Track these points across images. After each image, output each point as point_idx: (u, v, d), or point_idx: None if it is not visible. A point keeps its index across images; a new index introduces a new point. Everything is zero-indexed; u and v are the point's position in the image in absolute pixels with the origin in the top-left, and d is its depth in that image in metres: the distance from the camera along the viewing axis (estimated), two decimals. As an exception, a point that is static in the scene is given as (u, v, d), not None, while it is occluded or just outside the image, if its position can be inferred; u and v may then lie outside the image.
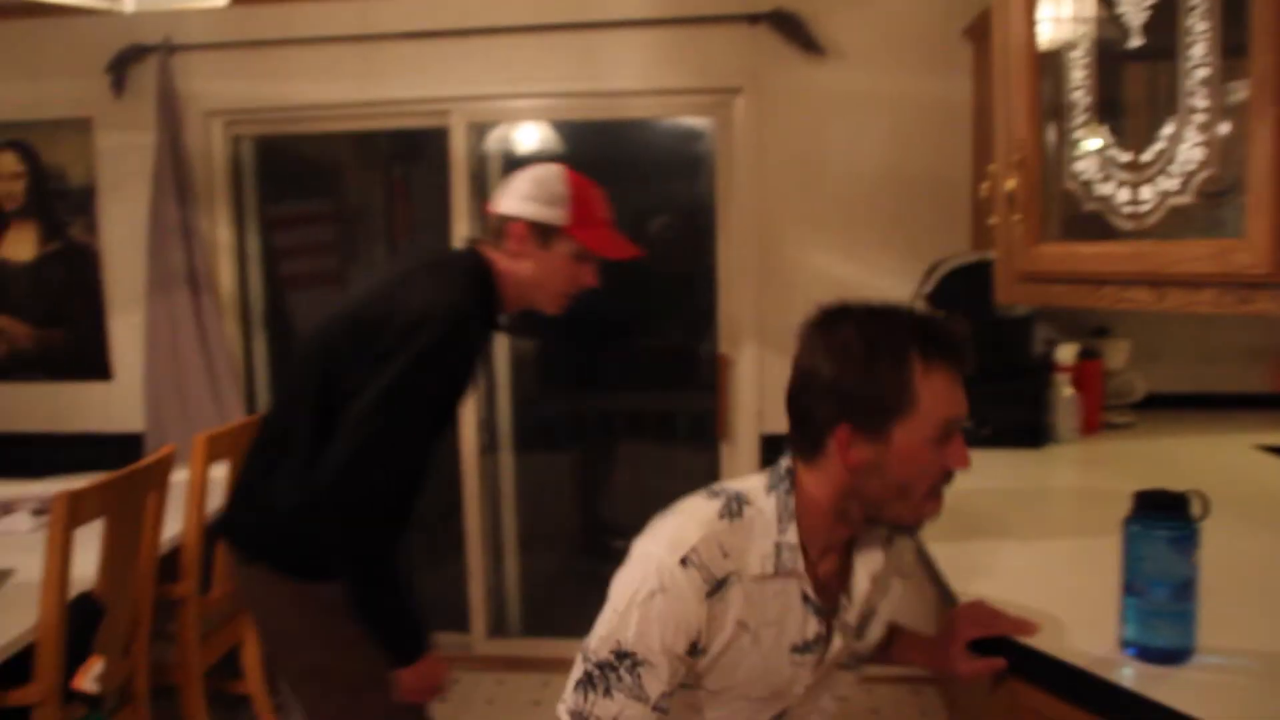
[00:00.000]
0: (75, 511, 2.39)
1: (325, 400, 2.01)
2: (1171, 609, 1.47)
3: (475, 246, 2.20)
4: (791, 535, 1.54)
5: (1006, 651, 1.61)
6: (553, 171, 2.15)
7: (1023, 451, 2.92)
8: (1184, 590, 1.46)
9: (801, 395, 1.56)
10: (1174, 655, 1.47)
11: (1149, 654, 1.48)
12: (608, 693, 1.49)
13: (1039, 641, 1.57)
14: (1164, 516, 1.46)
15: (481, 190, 3.97)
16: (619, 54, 3.76)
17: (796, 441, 1.58)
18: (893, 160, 3.70)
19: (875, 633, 1.73)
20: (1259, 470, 2.78)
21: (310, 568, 2.06)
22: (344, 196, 4.73)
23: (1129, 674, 1.45)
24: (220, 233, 4.10)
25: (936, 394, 1.48)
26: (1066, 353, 3.06)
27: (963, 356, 1.53)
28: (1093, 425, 3.19)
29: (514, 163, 4.14)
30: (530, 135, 4.20)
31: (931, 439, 1.49)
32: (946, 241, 3.55)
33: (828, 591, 1.61)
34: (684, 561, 1.47)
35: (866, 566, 1.64)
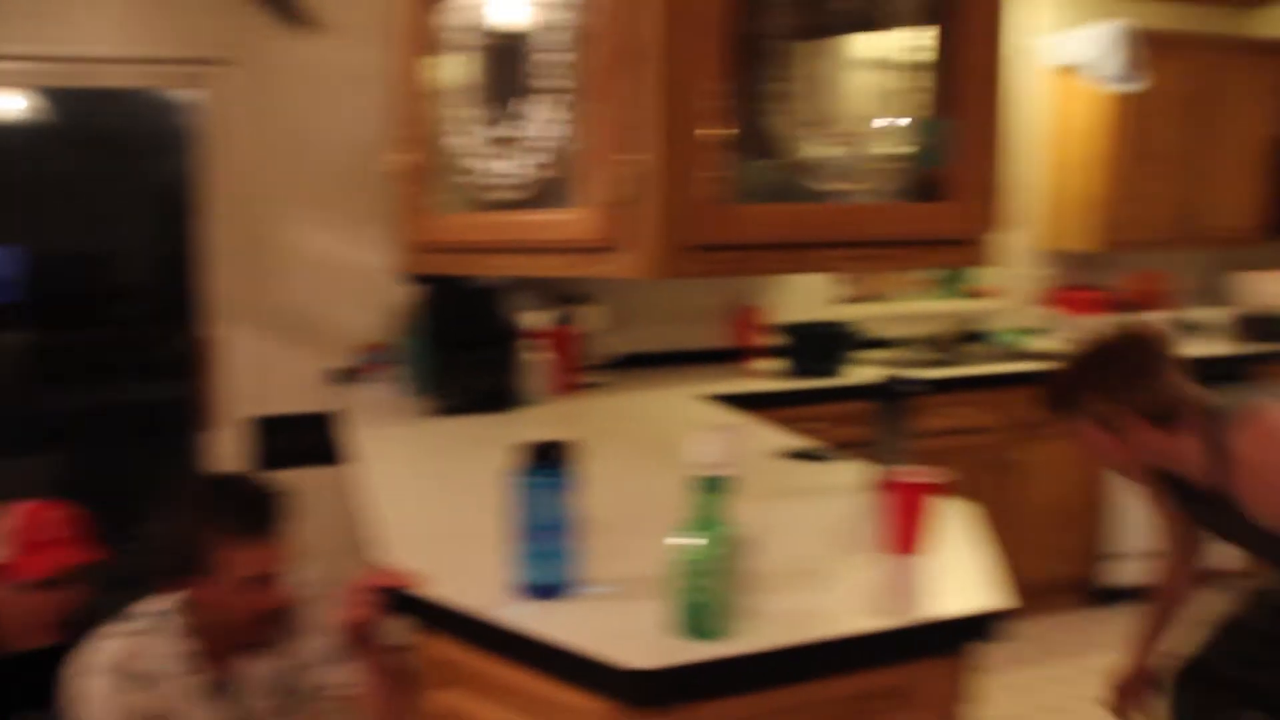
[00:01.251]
0: None
1: None
2: (555, 548, 1.61)
3: None
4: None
5: (419, 607, 1.69)
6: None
7: (487, 416, 3.05)
8: (563, 530, 1.61)
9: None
10: (560, 590, 1.62)
11: (540, 591, 1.62)
12: None
13: (441, 593, 1.66)
14: (543, 466, 1.59)
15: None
16: (90, 16, 3.46)
17: None
18: (377, 135, 3.70)
19: (317, 680, 2.09)
20: (690, 415, 3.11)
21: None
22: None
23: (520, 612, 1.58)
24: None
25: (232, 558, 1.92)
26: (536, 319, 3.24)
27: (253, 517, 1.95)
28: (567, 386, 3.41)
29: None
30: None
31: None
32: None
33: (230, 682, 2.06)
34: (105, 671, 1.97)
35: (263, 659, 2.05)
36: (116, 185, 4.09)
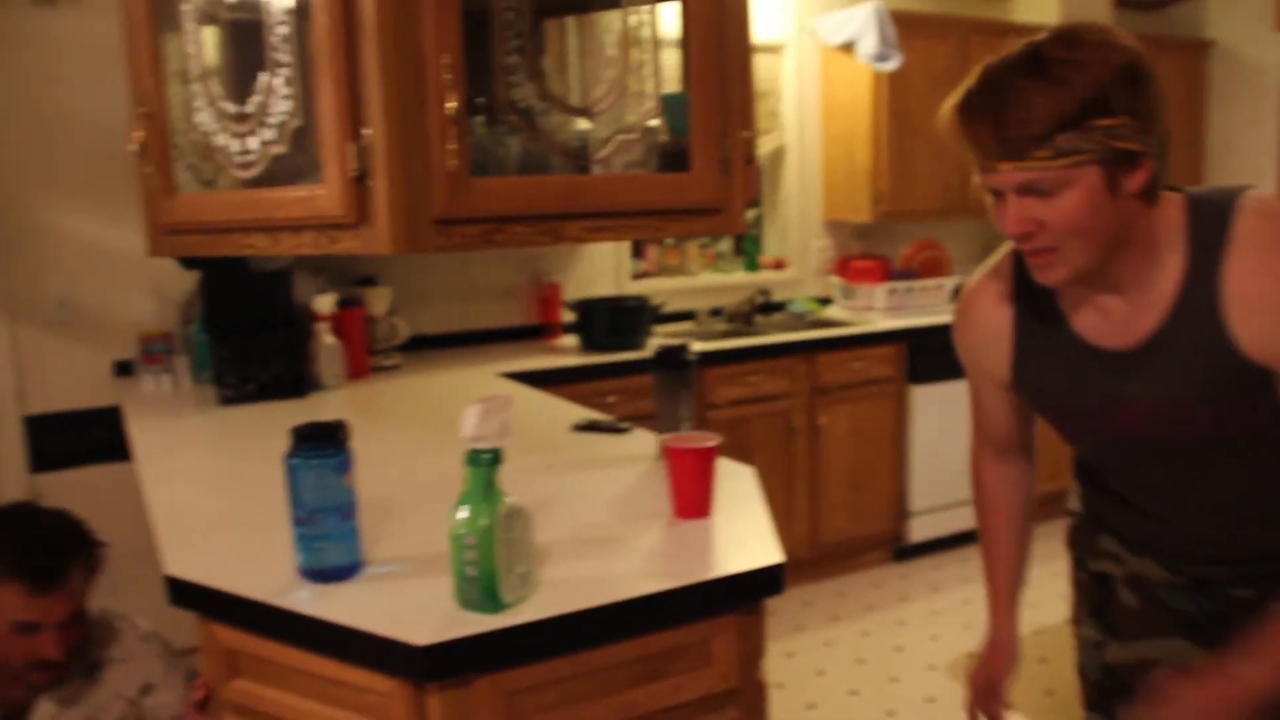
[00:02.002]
0: None
1: None
2: (335, 530, 1.58)
3: None
4: None
5: (200, 598, 1.64)
6: None
7: (287, 402, 2.99)
8: (344, 511, 1.58)
9: None
10: (344, 572, 1.60)
11: (323, 575, 1.59)
12: None
13: (224, 582, 1.62)
14: (318, 447, 1.56)
15: None
16: None
17: None
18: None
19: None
20: (484, 394, 3.10)
21: None
22: None
23: (303, 597, 1.55)
24: None
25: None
26: (324, 302, 3.17)
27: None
28: (360, 370, 3.35)
29: None
30: None
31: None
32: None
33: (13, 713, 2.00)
34: None
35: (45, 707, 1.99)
36: None
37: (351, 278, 3.62)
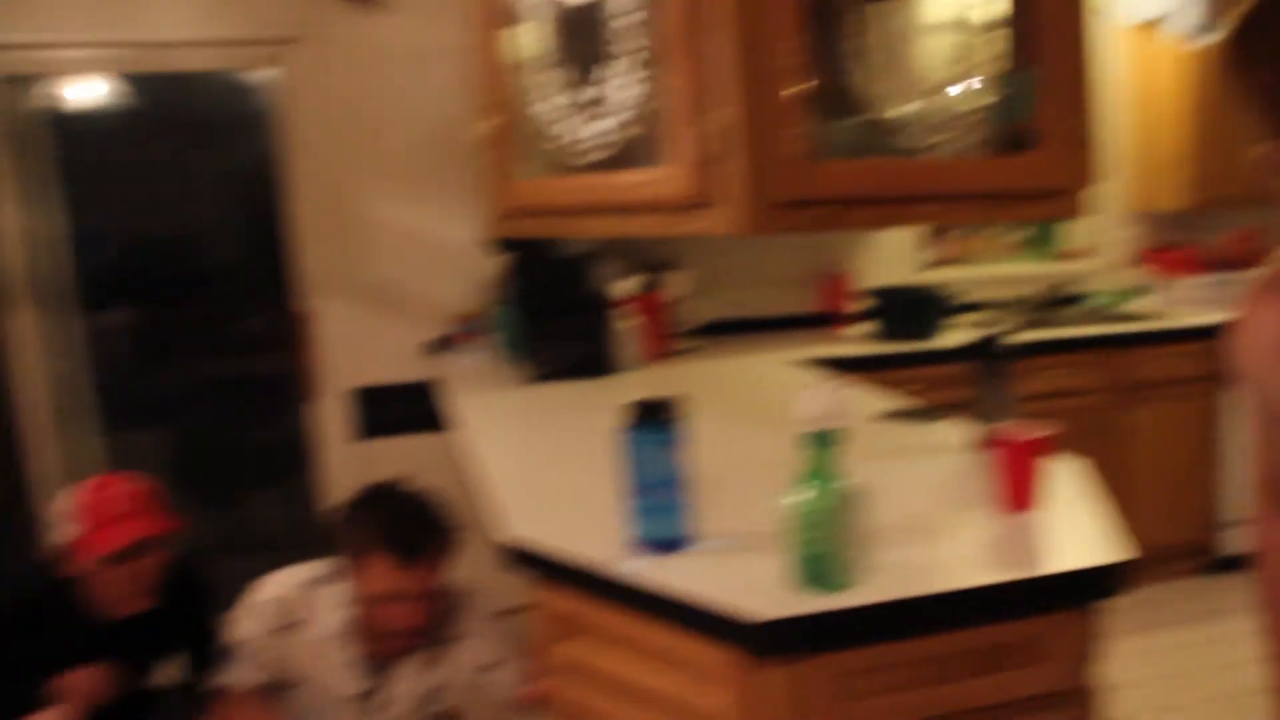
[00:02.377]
0: None
1: None
2: (669, 503, 1.63)
3: None
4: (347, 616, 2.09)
5: (535, 562, 1.73)
6: (74, 490, 2.28)
7: (592, 381, 3.09)
8: (675, 486, 1.62)
9: None
10: (677, 544, 1.64)
11: (657, 546, 1.64)
12: (228, 661, 2.18)
13: (564, 548, 1.69)
14: (651, 423, 1.61)
15: (26, 150, 3.63)
16: (164, 2, 3.56)
17: None
18: (455, 109, 3.75)
19: (452, 698, 2.20)
20: (784, 379, 3.11)
21: None
22: None
23: (640, 566, 1.60)
24: None
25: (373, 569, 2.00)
26: (626, 286, 3.26)
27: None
28: (659, 352, 3.43)
29: (63, 121, 3.85)
30: (86, 90, 3.90)
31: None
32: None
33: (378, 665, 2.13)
34: (262, 603, 2.13)
35: (414, 659, 2.13)
36: (203, 167, 4.18)
37: (650, 262, 3.70)
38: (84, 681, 2.27)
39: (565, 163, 1.94)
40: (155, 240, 4.29)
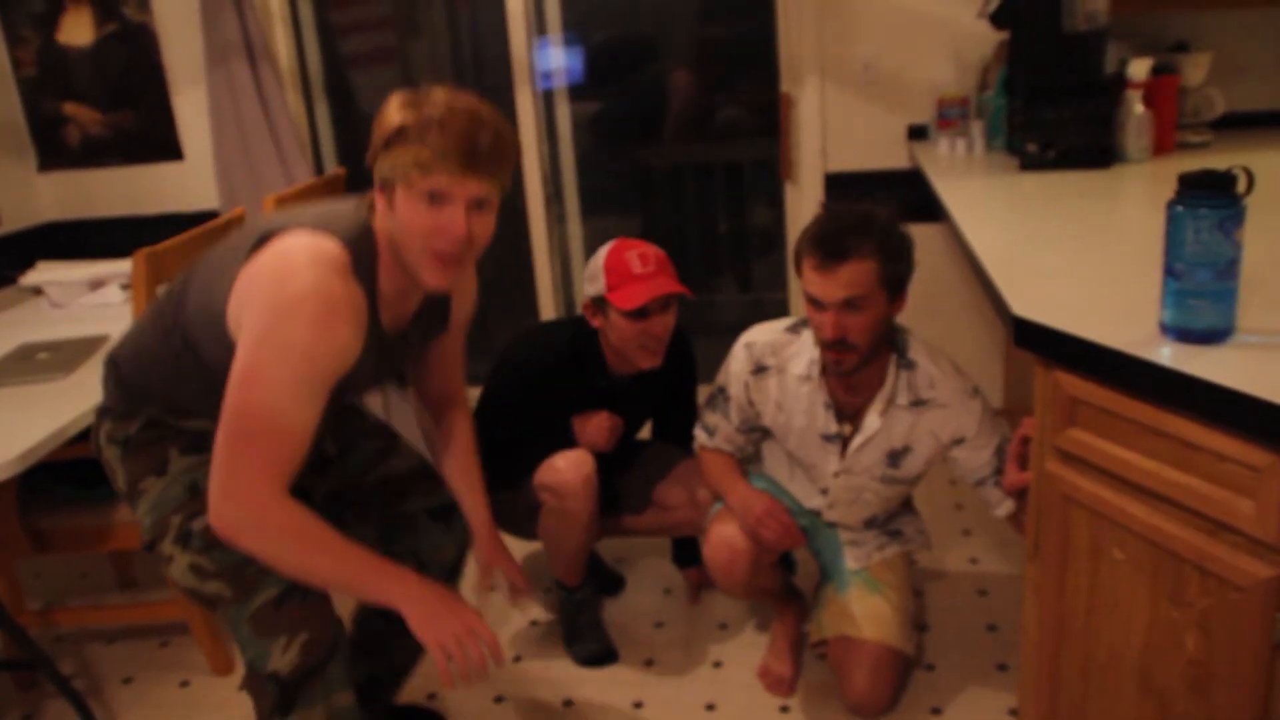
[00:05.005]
0: (156, 268, 2.49)
1: None
2: (1212, 289, 1.46)
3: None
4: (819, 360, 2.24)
5: (1047, 341, 1.63)
6: (601, 250, 2.48)
7: (1088, 172, 2.85)
8: (1226, 270, 1.45)
9: None
10: (1213, 335, 1.48)
11: (1188, 335, 1.49)
12: (712, 409, 2.46)
13: (1080, 330, 1.58)
14: (1207, 196, 1.43)
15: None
16: None
17: None
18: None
19: (914, 467, 2.30)
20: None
21: None
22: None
23: (1166, 353, 1.46)
24: (273, 1, 4.07)
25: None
26: (1139, 68, 2.92)
27: None
28: (1165, 145, 3.08)
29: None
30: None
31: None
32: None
33: (848, 412, 2.29)
34: (747, 346, 2.35)
35: (877, 408, 2.24)
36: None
37: (1164, 43, 3.30)
38: (599, 428, 2.51)
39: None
40: (628, 37, 4.38)
